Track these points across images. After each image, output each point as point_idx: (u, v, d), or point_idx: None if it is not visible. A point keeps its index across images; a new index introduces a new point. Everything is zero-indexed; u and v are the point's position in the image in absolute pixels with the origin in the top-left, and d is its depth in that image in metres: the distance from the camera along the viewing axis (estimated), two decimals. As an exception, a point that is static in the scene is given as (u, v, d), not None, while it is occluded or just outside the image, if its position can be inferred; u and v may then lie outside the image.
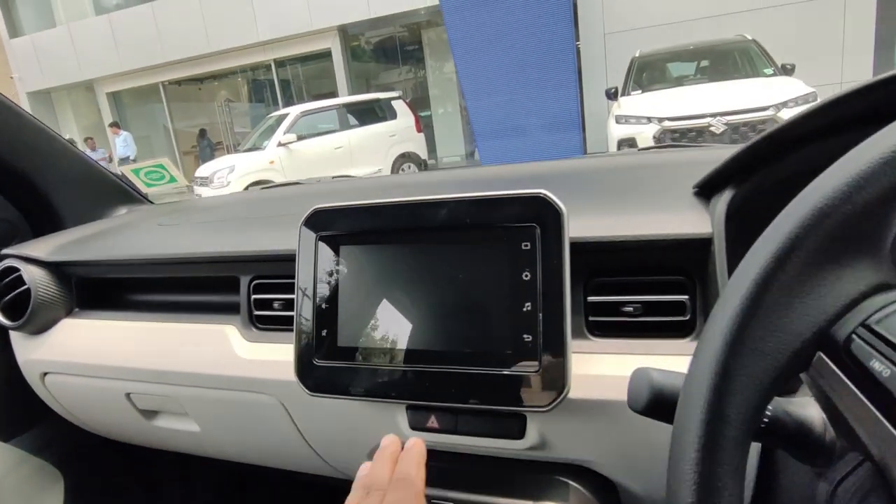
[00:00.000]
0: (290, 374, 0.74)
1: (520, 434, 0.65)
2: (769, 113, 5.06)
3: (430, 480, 0.73)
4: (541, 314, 0.58)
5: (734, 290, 0.32)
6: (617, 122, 5.64)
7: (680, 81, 6.56)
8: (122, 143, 10.19)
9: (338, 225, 0.68)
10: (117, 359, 0.90)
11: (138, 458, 1.21)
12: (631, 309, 0.63)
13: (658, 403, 0.42)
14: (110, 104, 13.39)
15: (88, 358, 0.93)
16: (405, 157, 8.60)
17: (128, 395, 0.93)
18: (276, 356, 0.78)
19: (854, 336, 0.30)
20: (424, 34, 11.02)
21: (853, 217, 0.30)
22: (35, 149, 1.06)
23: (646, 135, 5.35)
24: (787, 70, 5.90)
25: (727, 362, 0.31)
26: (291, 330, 0.79)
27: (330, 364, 0.66)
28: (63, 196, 1.11)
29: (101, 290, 1.00)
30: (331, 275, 0.68)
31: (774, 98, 5.10)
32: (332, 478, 0.92)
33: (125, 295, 1.00)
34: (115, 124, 10.69)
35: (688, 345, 0.61)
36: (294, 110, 8.07)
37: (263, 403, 0.80)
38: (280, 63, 11.96)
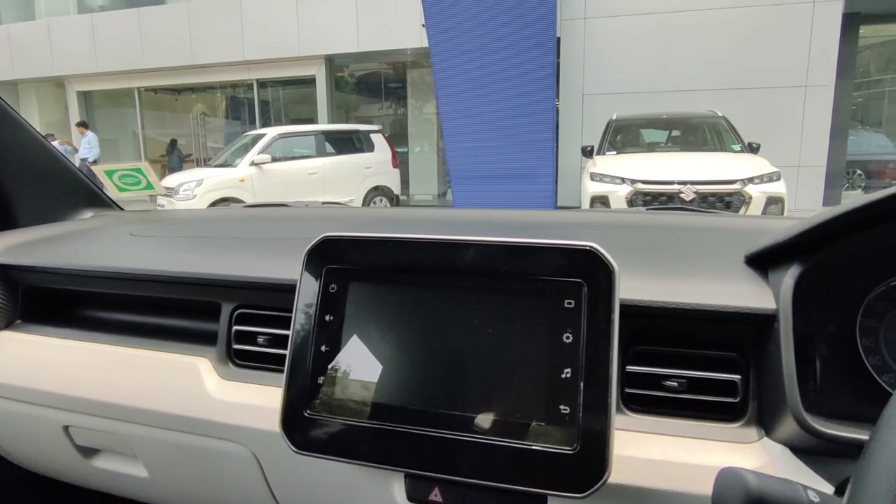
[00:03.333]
0: (269, 422, 0.64)
1: None
2: (736, 186, 5.29)
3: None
4: (582, 382, 0.50)
5: None
6: (592, 179, 5.78)
7: (652, 147, 6.83)
8: (85, 144, 9.82)
9: (349, 258, 0.60)
10: (58, 384, 0.77)
11: (71, 497, 1.05)
12: (675, 384, 0.56)
13: None
14: (80, 103, 12.96)
15: (23, 380, 0.80)
16: (378, 191, 8.55)
17: (66, 427, 0.79)
18: (253, 399, 0.67)
19: None
20: (409, 73, 11.19)
21: None
22: None
23: (619, 194, 5.49)
24: (753, 148, 6.21)
25: None
26: (275, 370, 0.69)
27: (323, 417, 0.57)
28: (20, 189, 0.99)
29: (51, 302, 0.87)
30: (335, 314, 0.59)
31: (742, 173, 5.34)
32: None
33: (79, 310, 0.88)
34: (83, 124, 10.31)
35: (737, 430, 0.55)
36: (272, 131, 7.97)
37: (232, 454, 0.69)
38: (262, 84, 11.89)
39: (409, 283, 0.58)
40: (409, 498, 0.60)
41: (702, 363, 0.57)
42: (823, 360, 0.57)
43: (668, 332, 0.59)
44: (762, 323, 0.54)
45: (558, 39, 7.46)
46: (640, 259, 0.67)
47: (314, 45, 10.40)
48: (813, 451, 0.51)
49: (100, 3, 12.48)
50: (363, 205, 8.22)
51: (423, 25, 7.06)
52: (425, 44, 7.15)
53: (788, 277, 0.53)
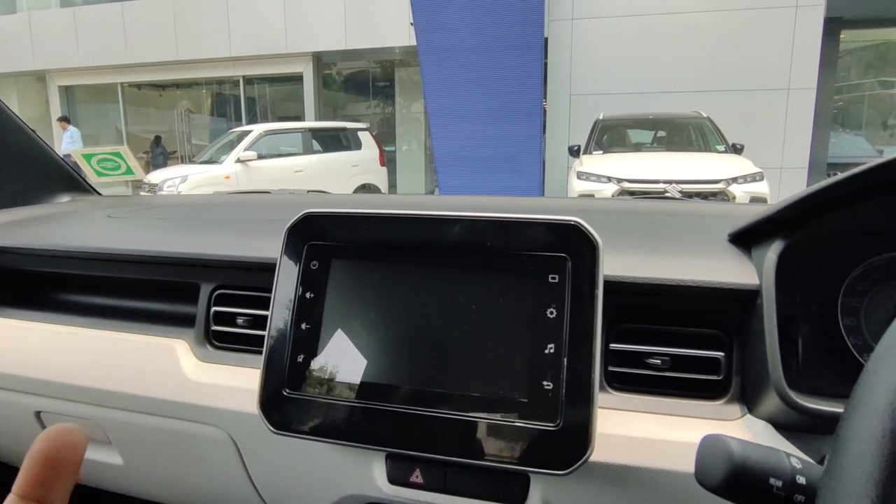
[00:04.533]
0: (246, 404, 0.63)
1: (520, 498, 0.56)
2: (720, 186, 5.35)
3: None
4: (565, 359, 0.50)
5: (893, 363, 0.25)
6: (578, 177, 5.81)
7: (638, 147, 6.88)
8: (67, 139, 9.66)
9: (331, 234, 0.58)
10: (30, 368, 0.75)
11: None
12: (658, 362, 0.56)
13: (739, 481, 0.34)
14: (62, 98, 12.73)
15: None
16: (365, 188, 8.52)
17: (37, 413, 0.77)
18: (232, 381, 0.66)
19: None
20: (397, 72, 11.16)
21: None
22: None
23: (605, 193, 5.52)
24: (736, 149, 6.29)
25: (891, 472, 0.23)
26: (254, 351, 0.68)
27: (303, 397, 0.55)
28: (-5, 171, 0.96)
29: (25, 284, 0.84)
30: (317, 291, 0.57)
31: (725, 173, 5.39)
32: None
33: (54, 293, 0.85)
34: (64, 119, 10.14)
35: (720, 408, 0.55)
36: (258, 128, 7.89)
37: (209, 438, 0.67)
38: (248, 80, 11.78)
39: (393, 260, 0.57)
40: (391, 479, 0.59)
41: (685, 340, 0.57)
42: (805, 339, 0.57)
43: (651, 309, 0.58)
44: (746, 299, 0.54)
45: (546, 40, 7.49)
46: (624, 237, 0.67)
47: (302, 42, 10.32)
48: (795, 426, 0.51)
49: (82, -3, 12.28)
50: (350, 203, 8.19)
51: (412, 24, 7.05)
52: (413, 42, 7.14)
53: (772, 252, 0.53)
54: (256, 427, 0.56)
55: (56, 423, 0.25)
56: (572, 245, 0.52)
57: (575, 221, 0.52)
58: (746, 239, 0.60)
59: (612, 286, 0.55)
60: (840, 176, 0.51)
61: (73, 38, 11.69)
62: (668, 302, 0.57)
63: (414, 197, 1.29)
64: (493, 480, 0.56)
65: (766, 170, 5.57)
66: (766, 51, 7.79)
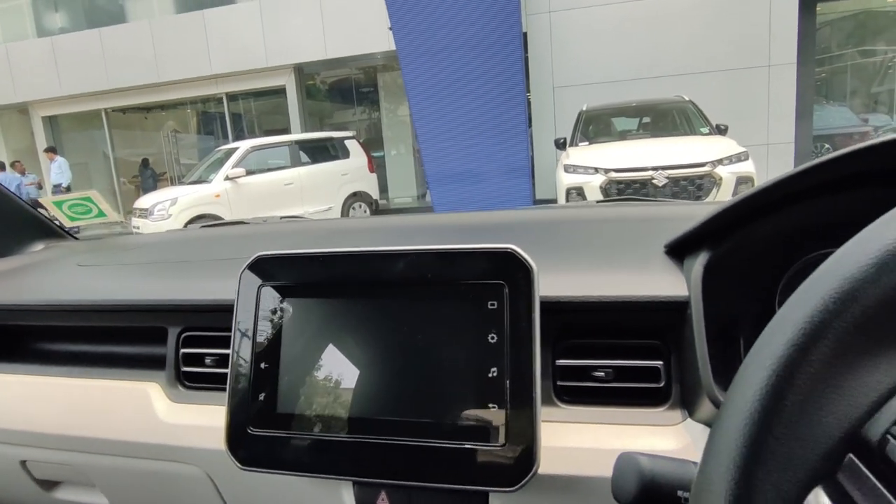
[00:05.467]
0: (219, 441, 0.65)
1: None
2: (706, 168, 5.37)
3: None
4: (508, 381, 0.52)
5: (750, 382, 0.27)
6: (566, 171, 5.82)
7: (623, 136, 6.91)
8: (56, 170, 9.64)
9: (283, 274, 0.61)
10: (12, 420, 0.77)
11: None
12: (602, 374, 0.59)
13: (649, 496, 0.37)
14: (46, 129, 12.71)
15: None
16: (356, 196, 8.53)
17: (23, 462, 0.79)
18: (204, 420, 0.68)
19: (889, 437, 0.25)
20: (380, 77, 11.17)
21: (883, 302, 0.26)
22: None
23: (593, 184, 5.54)
24: (721, 130, 6.32)
25: (747, 468, 0.26)
26: (223, 389, 0.70)
27: (266, 433, 0.58)
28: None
29: (1, 337, 0.87)
30: (273, 331, 0.60)
31: (711, 155, 5.41)
32: None
33: (26, 344, 0.88)
34: (51, 149, 10.12)
35: (662, 414, 0.57)
36: (244, 144, 7.90)
37: (187, 476, 0.70)
38: (232, 97, 11.77)
39: (342, 296, 0.59)
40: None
41: (627, 352, 0.59)
42: (747, 341, 0.60)
43: (595, 324, 0.61)
44: (678, 309, 0.57)
45: (525, 34, 7.51)
46: (564, 255, 0.70)
47: (282, 55, 10.33)
48: None
49: (59, 26, 12.26)
50: (343, 212, 8.19)
51: (390, 28, 7.07)
52: (394, 47, 7.15)
53: (698, 264, 0.56)
54: (229, 463, 0.59)
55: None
56: (508, 271, 0.54)
57: (510, 249, 0.54)
58: (679, 250, 0.62)
59: (552, 306, 0.57)
60: (760, 186, 0.54)
61: (52, 67, 11.67)
62: (609, 316, 0.60)
63: (377, 220, 1.32)
64: (456, 500, 0.58)
65: (752, 148, 5.60)
66: (744, 29, 7.82)
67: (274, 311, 0.60)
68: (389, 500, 0.60)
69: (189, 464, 0.69)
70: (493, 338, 0.54)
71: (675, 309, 0.57)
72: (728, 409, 0.28)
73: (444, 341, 0.55)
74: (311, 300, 0.60)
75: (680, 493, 0.37)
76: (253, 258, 0.62)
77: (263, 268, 0.61)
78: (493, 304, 0.54)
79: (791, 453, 0.26)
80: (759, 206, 0.55)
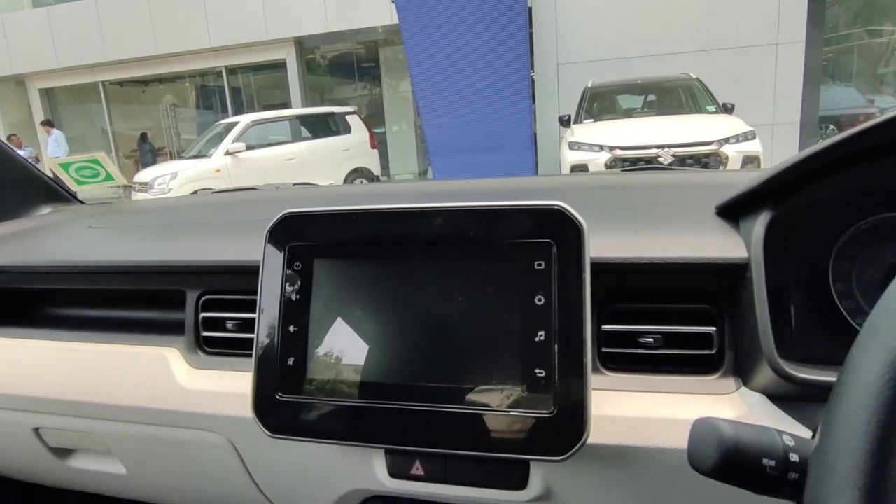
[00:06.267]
0: (243, 409, 0.62)
1: (521, 484, 0.56)
2: (712, 147, 5.31)
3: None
4: (556, 345, 0.49)
5: (889, 330, 0.24)
6: (570, 147, 5.76)
7: (628, 113, 6.82)
8: (53, 143, 9.54)
9: (312, 234, 0.57)
10: (24, 386, 0.74)
11: (37, 498, 1.03)
12: (651, 340, 0.56)
13: (731, 464, 0.34)
14: (43, 101, 12.54)
15: None
16: (357, 172, 8.46)
17: (36, 430, 0.77)
18: (226, 387, 0.66)
19: None
20: (381, 52, 10.99)
21: None
22: None
23: (598, 161, 5.49)
24: (727, 109, 6.23)
25: (888, 423, 0.23)
26: (246, 355, 0.67)
27: (296, 399, 0.55)
28: (-28, 189, 0.94)
29: (11, 301, 0.83)
30: (301, 293, 0.57)
31: (717, 133, 5.35)
32: None
33: (40, 308, 0.84)
34: (47, 122, 9.99)
35: (715, 382, 0.54)
36: (245, 118, 7.80)
37: (209, 443, 0.67)
38: (232, 70, 11.60)
39: (375, 256, 0.56)
40: (391, 473, 0.59)
41: (677, 317, 0.56)
42: (798, 307, 0.57)
43: (642, 288, 0.58)
44: (735, 273, 0.53)
45: (530, 10, 7.35)
46: (610, 216, 0.66)
47: (282, 28, 10.14)
48: (790, 397, 0.51)
49: (55, -5, 12.00)
50: (343, 188, 8.13)
51: (392, 1, 6.91)
52: (396, 20, 7.01)
53: (759, 225, 0.53)
54: (254, 430, 0.56)
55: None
56: (556, 230, 0.51)
57: (558, 206, 0.51)
58: (734, 211, 0.59)
59: (600, 268, 0.54)
60: (822, 144, 0.50)
61: (48, 38, 11.47)
62: (658, 280, 0.57)
63: (400, 185, 1.28)
64: (494, 468, 0.56)
65: (757, 127, 5.52)
66: (753, 6, 7.67)
67: (303, 272, 0.57)
68: (424, 469, 0.57)
69: (210, 431, 0.67)
70: (539, 300, 0.50)
71: (730, 272, 0.53)
72: (861, 363, 0.25)
73: (487, 304, 0.52)
74: (343, 260, 0.57)
75: (765, 460, 0.34)
76: (280, 216, 0.58)
77: (291, 226, 0.58)
78: (540, 265, 0.51)
79: None
80: (820, 166, 0.52)
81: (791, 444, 0.34)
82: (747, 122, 5.57)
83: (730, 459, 0.34)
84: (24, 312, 0.83)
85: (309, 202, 0.96)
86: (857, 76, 10.33)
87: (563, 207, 0.51)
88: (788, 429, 0.39)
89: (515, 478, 0.56)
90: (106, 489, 0.86)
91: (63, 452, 0.80)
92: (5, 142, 0.96)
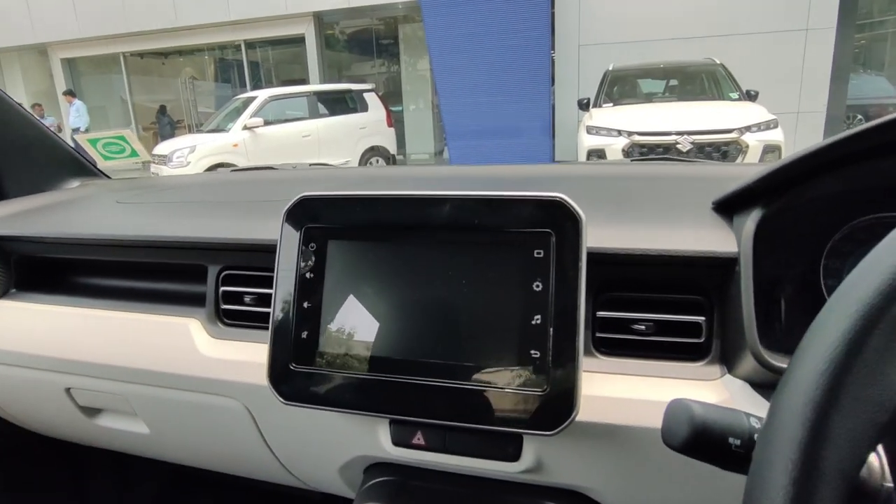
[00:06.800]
0: (258, 377, 0.67)
1: (514, 456, 0.60)
2: (733, 135, 5.23)
3: (416, 502, 0.67)
4: (551, 329, 0.53)
5: (833, 326, 0.27)
6: (588, 132, 5.71)
7: (649, 98, 6.72)
8: (74, 113, 9.65)
9: (327, 216, 0.61)
10: (58, 349, 0.80)
11: (68, 454, 1.10)
12: (643, 327, 0.59)
13: (700, 441, 0.37)
14: (65, 71, 12.67)
15: (24, 346, 0.82)
16: (374, 151, 8.47)
17: (67, 389, 0.83)
18: (243, 356, 0.70)
19: None
20: (401, 29, 10.89)
21: None
22: None
23: (615, 147, 5.44)
24: (751, 96, 6.11)
25: (823, 410, 0.26)
26: (262, 328, 0.72)
27: (309, 370, 0.59)
28: (6, 161, 0.99)
29: (44, 270, 0.89)
30: (315, 271, 0.61)
31: (739, 121, 5.26)
32: (293, 487, 0.85)
33: (72, 277, 0.90)
34: (69, 92, 10.11)
35: (701, 368, 0.58)
36: (262, 94, 7.82)
37: (226, 408, 0.72)
38: (250, 44, 11.59)
39: (386, 239, 0.60)
40: (395, 442, 0.63)
41: (669, 306, 0.59)
42: (788, 300, 0.59)
43: (636, 278, 0.61)
44: (726, 266, 0.56)
45: (552, -12, 7.22)
46: (610, 207, 0.69)
47: (301, 2, 10.08)
48: (770, 385, 0.54)
49: (77, -35, 12.01)
50: (360, 165, 8.16)
51: (413, -23, 6.84)
52: (415, -3, 6.93)
53: (750, 221, 0.55)
54: (268, 398, 0.61)
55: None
56: (556, 220, 0.54)
57: (559, 198, 0.54)
58: (729, 207, 0.61)
59: (597, 258, 0.57)
60: (819, 144, 0.52)
61: (70, 8, 11.52)
62: (652, 270, 0.59)
63: (412, 169, 1.31)
64: (490, 441, 0.60)
65: (782, 116, 5.41)
66: (783, -11, 7.46)
67: (317, 252, 0.61)
68: (425, 439, 0.61)
69: (228, 397, 0.72)
70: (537, 286, 0.54)
71: (722, 265, 0.56)
72: (806, 353, 0.28)
73: (488, 287, 0.55)
74: (355, 242, 0.60)
75: (731, 439, 0.37)
76: (297, 198, 0.62)
77: (307, 209, 0.62)
78: (539, 253, 0.54)
79: (868, 400, 0.26)
80: (815, 165, 0.54)
81: (757, 425, 0.38)
82: (772, 110, 5.46)
83: (699, 437, 0.37)
84: (57, 281, 0.88)
85: (324, 183, 0.99)
86: (889, 65, 10.03)
87: (564, 199, 0.54)
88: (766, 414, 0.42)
89: (509, 450, 0.60)
90: (129, 447, 0.92)
91: (91, 412, 0.86)
92: (33, 114, 1.01)
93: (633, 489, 0.61)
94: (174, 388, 0.74)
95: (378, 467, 0.71)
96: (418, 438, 0.62)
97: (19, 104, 1.00)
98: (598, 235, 0.58)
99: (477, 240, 0.57)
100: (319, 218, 0.61)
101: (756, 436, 0.35)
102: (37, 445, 1.05)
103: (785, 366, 0.51)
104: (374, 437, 0.65)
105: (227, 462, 0.86)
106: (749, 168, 0.82)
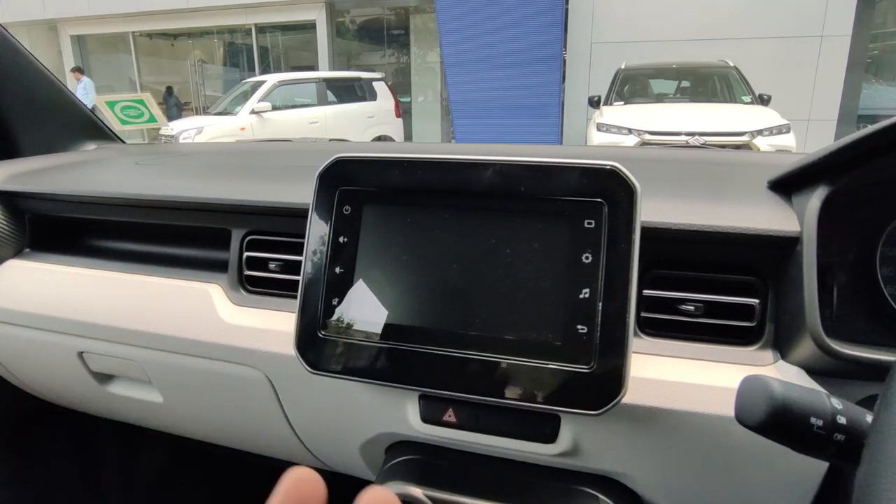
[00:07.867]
0: (282, 345, 0.64)
1: (551, 437, 0.57)
2: (744, 139, 5.20)
3: (441, 482, 0.65)
4: (600, 303, 0.50)
5: None
6: (598, 129, 5.68)
7: (660, 98, 6.68)
8: (81, 91, 9.61)
9: (363, 179, 0.58)
10: (71, 310, 0.77)
11: (76, 425, 1.08)
12: (692, 308, 0.56)
13: (780, 420, 0.34)
14: (74, 48, 12.61)
15: (36, 307, 0.80)
16: (381, 140, 8.44)
17: (80, 353, 0.80)
18: (267, 324, 0.68)
19: None
20: (412, 20, 10.83)
21: None
22: None
23: (625, 145, 5.41)
24: (763, 100, 6.07)
25: None
26: (286, 295, 0.69)
27: (338, 338, 0.57)
28: (23, 118, 0.96)
29: (59, 230, 0.86)
30: (349, 235, 0.58)
31: (751, 125, 5.23)
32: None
33: (87, 239, 0.87)
34: (77, 69, 10.07)
35: (753, 353, 0.55)
36: (271, 78, 7.79)
37: (246, 378, 0.70)
38: (261, 29, 11.53)
39: (425, 205, 0.57)
40: (424, 419, 0.60)
41: (719, 287, 0.56)
42: (841, 288, 0.56)
43: (687, 256, 0.58)
44: (785, 246, 0.53)
45: (567, -17, 7.18)
46: (660, 184, 0.66)
47: (314, -13, 10.02)
48: (827, 372, 0.51)
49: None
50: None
51: (427, -34, 6.79)
52: (429, -14, 6.88)
53: (815, 199, 0.52)
54: (292, 367, 0.58)
55: (298, 469, 0.23)
56: (609, 190, 0.51)
57: (613, 166, 0.51)
58: (787, 186, 0.58)
59: (649, 233, 0.54)
60: (886, 122, 0.50)
61: (82, -16, 11.46)
62: (704, 249, 0.57)
63: (438, 145, 1.28)
64: (525, 420, 0.57)
65: (793, 121, 5.38)
66: (800, -5, 7.40)
67: (351, 216, 0.58)
68: (456, 416, 0.59)
69: (248, 366, 0.69)
70: (587, 258, 0.51)
71: (780, 245, 0.53)
72: None
73: (534, 257, 0.53)
74: (392, 206, 0.57)
75: (813, 419, 0.34)
76: (332, 160, 0.59)
77: (342, 170, 0.59)
78: (590, 223, 0.51)
79: None
80: (882, 144, 0.51)
81: (840, 407, 0.35)
82: (783, 115, 5.43)
83: (779, 416, 0.34)
84: (73, 242, 0.86)
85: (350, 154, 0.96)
86: (902, 76, 9.95)
87: (618, 168, 0.51)
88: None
89: (546, 431, 0.57)
90: (140, 418, 0.89)
91: (104, 378, 0.84)
92: (56, 76, 0.98)
93: (670, 476, 0.58)
94: (192, 354, 0.72)
95: (400, 446, 0.69)
96: (450, 415, 0.59)
97: (42, 65, 0.97)
98: (650, 209, 0.55)
99: (523, 208, 0.54)
100: (355, 180, 0.58)
101: (867, 431, 0.32)
102: (44, 414, 1.02)
103: (850, 352, 0.48)
104: (402, 413, 0.62)
105: (241, 436, 0.83)
106: (790, 157, 0.79)
